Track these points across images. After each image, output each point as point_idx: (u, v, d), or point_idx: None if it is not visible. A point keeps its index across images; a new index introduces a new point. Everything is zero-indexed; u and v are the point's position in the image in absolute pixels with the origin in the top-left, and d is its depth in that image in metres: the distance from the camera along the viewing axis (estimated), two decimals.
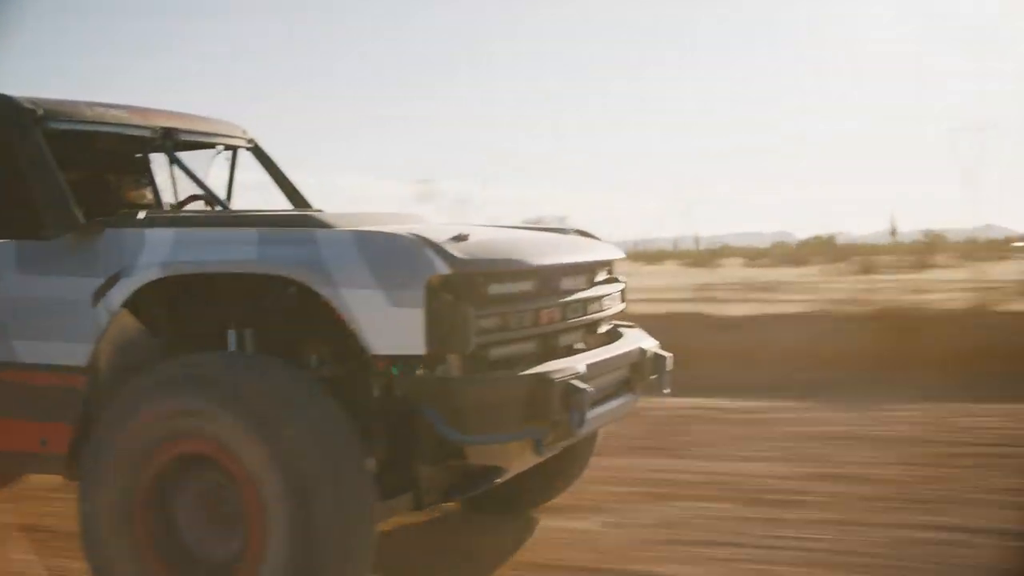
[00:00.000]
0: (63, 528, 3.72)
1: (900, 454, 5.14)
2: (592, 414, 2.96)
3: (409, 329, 2.69)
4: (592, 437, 4.07)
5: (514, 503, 4.19)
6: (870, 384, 7.12)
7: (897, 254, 22.68)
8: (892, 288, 11.30)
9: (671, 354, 3.71)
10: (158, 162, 4.46)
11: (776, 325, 8.49)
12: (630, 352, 3.48)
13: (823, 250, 27.81)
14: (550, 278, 3.19)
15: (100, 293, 3.04)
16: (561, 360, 3.05)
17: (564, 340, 3.30)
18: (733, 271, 20.82)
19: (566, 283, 3.30)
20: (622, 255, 3.90)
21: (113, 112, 3.74)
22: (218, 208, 4.11)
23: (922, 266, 19.17)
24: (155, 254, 3.01)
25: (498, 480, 3.29)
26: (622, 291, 3.80)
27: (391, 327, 2.71)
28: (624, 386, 3.47)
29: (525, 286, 3.06)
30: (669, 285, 13.19)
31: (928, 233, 24.66)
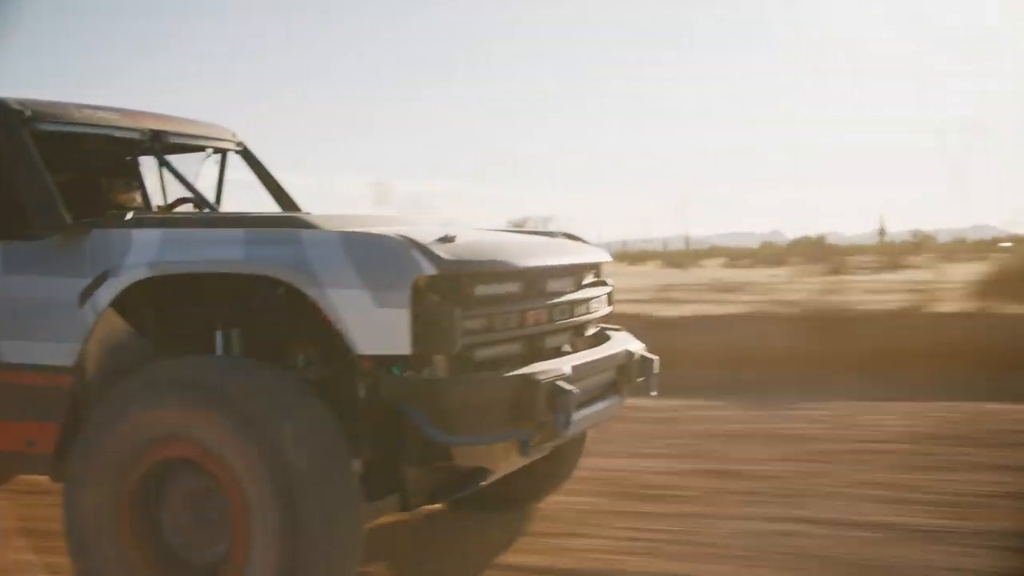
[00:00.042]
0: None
1: (788, 451, 5.34)
2: (578, 415, 2.97)
3: (395, 330, 2.70)
4: (580, 438, 4.10)
5: (500, 504, 4.18)
6: (790, 383, 7.32)
7: (879, 254, 22.80)
8: (851, 289, 11.49)
9: (658, 357, 3.74)
10: (147, 165, 4.47)
11: (711, 326, 8.68)
12: (617, 354, 3.50)
13: (809, 251, 27.97)
14: (536, 280, 3.20)
15: (87, 293, 3.05)
16: (547, 362, 3.07)
17: (551, 342, 3.32)
18: (709, 272, 20.99)
19: (552, 285, 3.31)
20: (608, 258, 3.93)
21: (102, 114, 3.76)
22: (207, 211, 4.13)
23: (896, 267, 19.32)
24: (142, 254, 3.02)
25: (484, 482, 3.30)
26: (609, 294, 3.82)
27: (377, 328, 2.72)
28: (611, 388, 3.49)
29: (511, 287, 3.08)
30: (636, 286, 13.34)
31: (917, 233, 24.77)
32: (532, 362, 3.03)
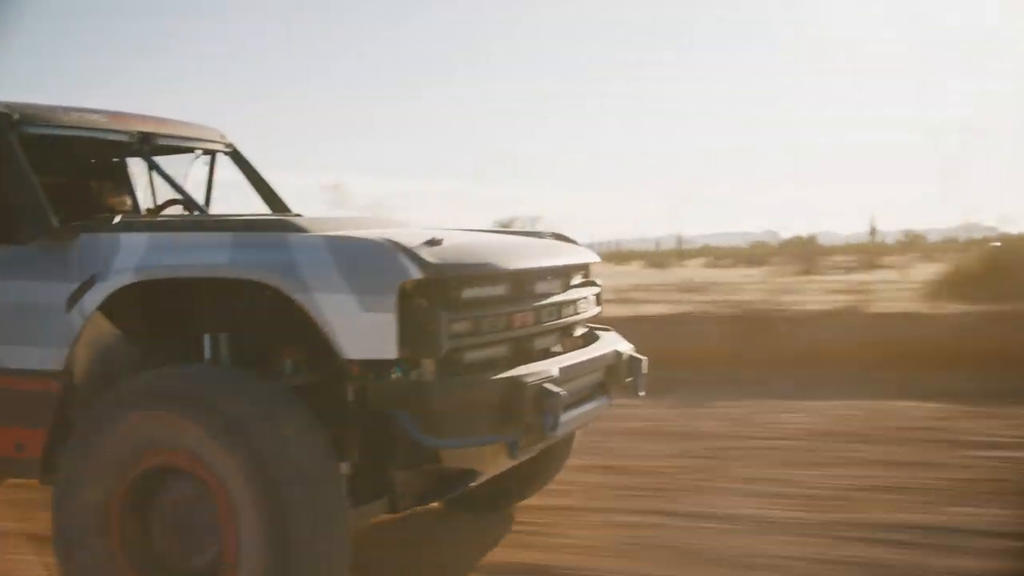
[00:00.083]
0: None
1: (685, 447, 5.46)
2: (566, 417, 2.97)
3: (381, 334, 2.69)
4: (569, 438, 4.10)
5: (489, 502, 4.19)
6: (714, 382, 7.45)
7: (860, 254, 22.89)
8: (810, 289, 11.61)
9: (646, 357, 3.75)
10: (138, 166, 4.47)
11: (649, 325, 8.80)
12: (605, 355, 3.50)
13: (794, 251, 28.11)
14: (524, 282, 3.20)
15: (74, 298, 3.04)
16: (535, 363, 3.07)
17: (539, 343, 3.32)
18: (688, 272, 21.08)
19: (540, 287, 3.31)
20: (597, 258, 3.92)
21: (90, 117, 3.75)
22: (196, 212, 4.14)
23: (871, 267, 19.44)
24: (129, 259, 3.01)
25: (473, 483, 3.31)
26: (597, 294, 3.81)
27: (364, 332, 2.71)
28: (599, 389, 3.50)
29: (499, 290, 3.07)
30: (604, 286, 13.46)
31: (908, 233, 25.01)
32: (521, 364, 3.03)
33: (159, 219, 3.66)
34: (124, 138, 3.88)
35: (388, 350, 2.71)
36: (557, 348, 3.49)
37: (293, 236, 2.87)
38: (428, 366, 2.86)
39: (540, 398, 2.85)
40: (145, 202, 4.51)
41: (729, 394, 7.05)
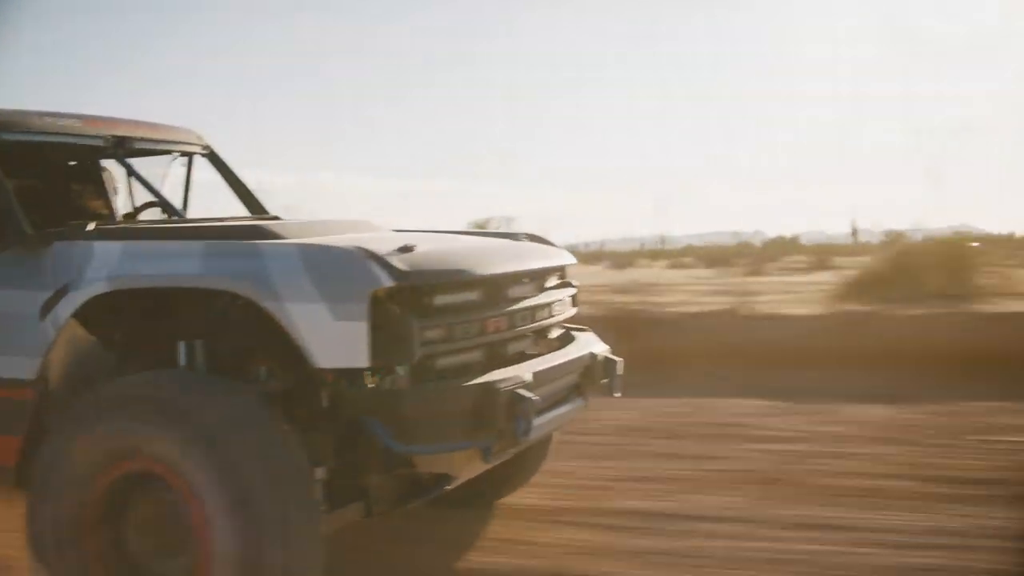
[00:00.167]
0: None
1: None
2: (539, 421, 2.99)
3: (353, 342, 2.69)
4: (547, 439, 4.12)
5: (466, 501, 4.20)
6: None
7: (823, 255, 23.16)
8: (734, 292, 11.92)
9: (622, 359, 3.76)
10: (117, 170, 4.44)
11: None
12: (580, 357, 3.51)
13: (764, 252, 28.45)
14: (498, 287, 3.19)
15: (48, 306, 3.03)
16: (508, 368, 3.07)
17: (513, 347, 3.32)
18: (644, 272, 21.40)
19: (515, 291, 3.30)
20: (573, 260, 3.92)
21: (64, 122, 3.73)
22: (174, 217, 4.15)
23: (823, 267, 19.75)
24: (102, 268, 3.01)
25: (448, 487, 3.32)
26: (573, 296, 3.82)
27: (335, 341, 2.71)
28: (574, 391, 3.52)
29: (472, 296, 3.06)
30: None
31: (890, 233, 25.47)
32: (495, 368, 3.04)
33: (133, 226, 3.64)
34: (99, 142, 3.88)
35: (360, 359, 2.71)
36: (532, 351, 3.50)
37: (264, 245, 2.88)
38: (401, 373, 2.87)
39: (512, 404, 2.87)
40: (123, 206, 4.51)
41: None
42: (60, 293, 3.03)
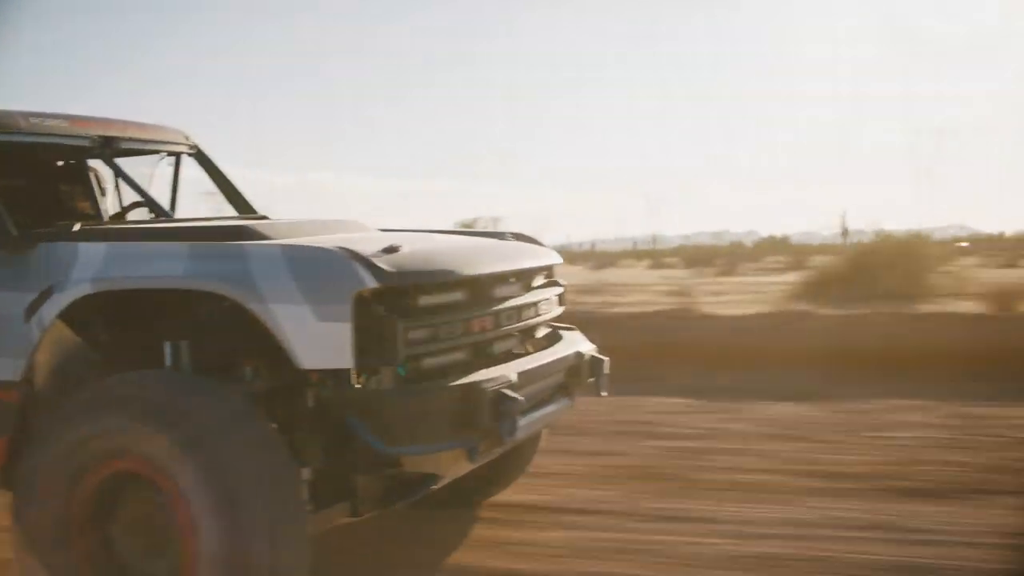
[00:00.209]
0: None
1: None
2: (524, 421, 2.99)
3: (337, 344, 2.69)
4: (535, 437, 4.11)
5: (453, 500, 4.20)
6: None
7: (800, 255, 23.29)
8: (695, 291, 12.07)
9: (608, 358, 3.77)
10: (104, 170, 4.43)
11: None
12: (566, 356, 3.52)
13: (743, 252, 28.52)
14: (483, 287, 3.19)
15: (33, 308, 3.03)
16: (493, 368, 3.07)
17: (499, 347, 3.32)
18: (622, 272, 21.55)
19: (500, 291, 3.30)
20: (559, 260, 3.91)
21: (50, 122, 3.72)
22: (161, 218, 4.14)
23: (799, 267, 19.90)
24: (87, 269, 3.01)
25: (434, 487, 3.30)
26: (560, 295, 3.81)
27: (320, 342, 2.71)
28: (560, 390, 3.51)
29: (457, 296, 3.06)
30: None
31: (879, 233, 25.46)
32: (480, 368, 3.04)
33: (118, 227, 3.62)
34: (85, 143, 3.88)
35: (344, 360, 2.72)
36: (518, 350, 3.50)
37: (249, 246, 2.88)
38: (386, 374, 2.88)
39: (498, 404, 2.87)
40: (110, 205, 4.51)
41: None
42: (45, 294, 3.03)
